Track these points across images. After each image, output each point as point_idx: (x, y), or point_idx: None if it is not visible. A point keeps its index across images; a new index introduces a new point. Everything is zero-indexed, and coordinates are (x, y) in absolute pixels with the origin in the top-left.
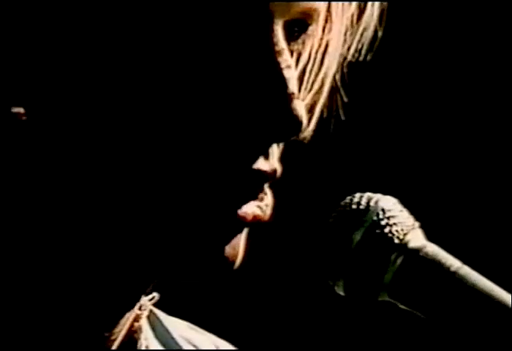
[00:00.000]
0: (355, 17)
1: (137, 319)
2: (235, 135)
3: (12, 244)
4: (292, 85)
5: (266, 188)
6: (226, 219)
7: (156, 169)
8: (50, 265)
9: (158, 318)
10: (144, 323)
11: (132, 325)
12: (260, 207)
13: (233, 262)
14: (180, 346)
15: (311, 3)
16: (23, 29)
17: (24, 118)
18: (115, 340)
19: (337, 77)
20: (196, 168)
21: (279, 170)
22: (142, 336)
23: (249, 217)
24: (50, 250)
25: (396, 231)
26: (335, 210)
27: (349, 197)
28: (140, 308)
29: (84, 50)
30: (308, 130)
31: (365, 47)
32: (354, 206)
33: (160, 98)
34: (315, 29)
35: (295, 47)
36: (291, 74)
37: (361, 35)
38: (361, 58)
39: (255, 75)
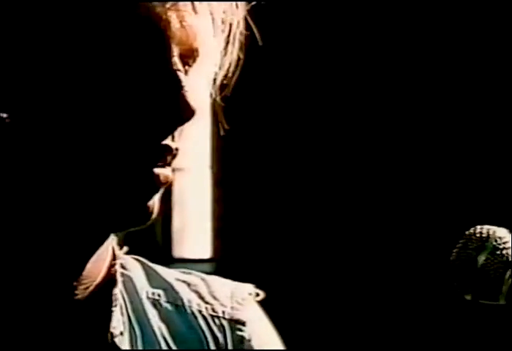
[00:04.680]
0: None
1: (112, 266)
2: (151, 121)
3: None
4: (185, 83)
5: (171, 160)
6: (147, 179)
7: (96, 151)
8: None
9: (146, 264)
10: (120, 268)
11: (108, 272)
12: (168, 173)
13: (152, 215)
14: (170, 283)
15: (193, 44)
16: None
17: (8, 120)
18: (89, 286)
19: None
20: (122, 146)
21: (180, 149)
22: (119, 276)
23: (163, 178)
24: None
25: (510, 252)
26: (461, 238)
27: (472, 228)
28: (114, 259)
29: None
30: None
31: (232, 68)
32: (478, 235)
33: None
34: (197, 62)
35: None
36: (183, 77)
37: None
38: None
39: (159, 79)
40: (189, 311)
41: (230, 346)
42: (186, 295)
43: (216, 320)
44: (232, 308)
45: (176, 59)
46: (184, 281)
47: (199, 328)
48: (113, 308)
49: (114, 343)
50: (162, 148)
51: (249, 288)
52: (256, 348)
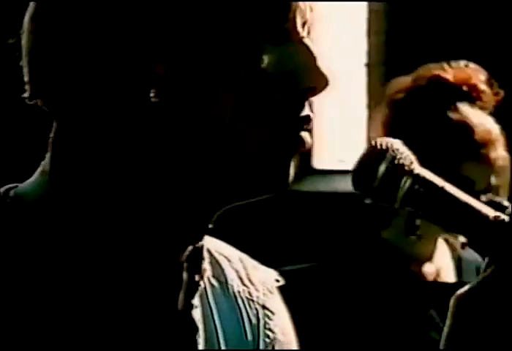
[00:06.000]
0: None
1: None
2: (294, 92)
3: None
4: (320, 55)
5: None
6: (293, 140)
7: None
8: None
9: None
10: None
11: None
12: (309, 138)
13: (289, 181)
14: (216, 258)
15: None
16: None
17: (154, 100)
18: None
19: None
20: (271, 110)
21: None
22: (205, 251)
23: (307, 139)
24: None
25: (406, 162)
26: (364, 150)
27: (372, 141)
28: None
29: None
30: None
31: None
32: (378, 147)
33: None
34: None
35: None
36: (313, 46)
37: None
38: None
39: (295, 49)
40: (231, 290)
41: (261, 332)
42: (229, 273)
43: (252, 304)
44: (263, 294)
45: (301, 29)
46: (226, 257)
47: (238, 309)
48: (200, 282)
49: (191, 315)
50: (303, 117)
51: (274, 274)
52: (276, 340)
